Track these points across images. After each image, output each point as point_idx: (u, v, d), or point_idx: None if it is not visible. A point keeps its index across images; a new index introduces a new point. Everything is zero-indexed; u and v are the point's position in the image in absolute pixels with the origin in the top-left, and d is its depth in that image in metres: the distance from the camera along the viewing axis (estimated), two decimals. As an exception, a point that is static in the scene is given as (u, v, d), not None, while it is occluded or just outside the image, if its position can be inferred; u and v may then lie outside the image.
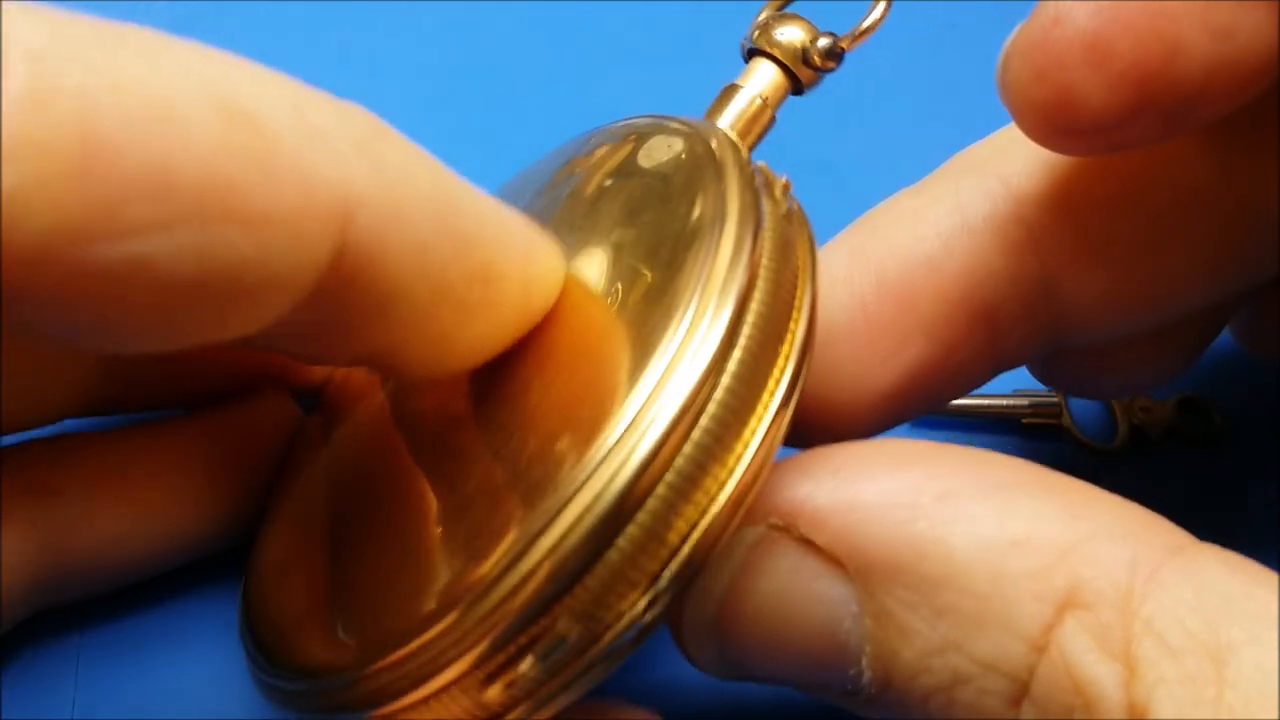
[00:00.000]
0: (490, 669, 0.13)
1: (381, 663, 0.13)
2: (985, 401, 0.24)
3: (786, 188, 0.16)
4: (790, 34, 0.18)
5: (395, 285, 0.12)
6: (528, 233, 0.15)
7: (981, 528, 0.13)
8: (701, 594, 0.14)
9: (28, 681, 0.19)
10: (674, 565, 0.13)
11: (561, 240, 0.16)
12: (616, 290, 0.15)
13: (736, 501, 0.13)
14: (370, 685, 0.13)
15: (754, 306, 0.13)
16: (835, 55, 0.18)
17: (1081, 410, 0.24)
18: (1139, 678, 0.12)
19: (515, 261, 0.14)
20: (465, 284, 0.13)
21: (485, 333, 0.14)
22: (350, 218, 0.11)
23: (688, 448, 0.13)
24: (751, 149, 0.18)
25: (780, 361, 0.14)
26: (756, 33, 0.18)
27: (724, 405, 0.13)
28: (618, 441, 0.12)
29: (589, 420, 0.13)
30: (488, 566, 0.12)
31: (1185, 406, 0.24)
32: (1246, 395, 0.25)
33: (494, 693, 0.13)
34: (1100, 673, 0.12)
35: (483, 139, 0.29)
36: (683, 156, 0.16)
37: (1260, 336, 0.22)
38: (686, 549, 0.13)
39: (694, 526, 0.13)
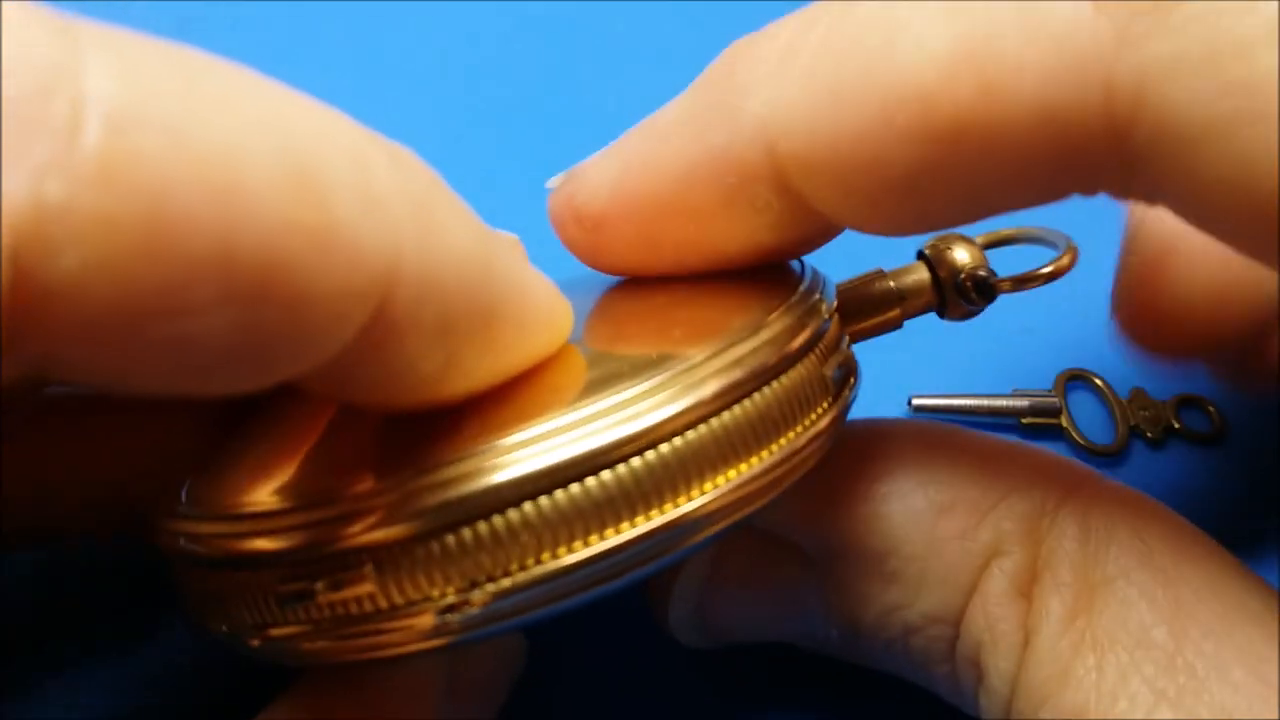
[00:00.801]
0: (285, 583, 0.13)
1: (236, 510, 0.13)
2: (985, 402, 0.24)
3: (846, 364, 0.15)
4: (960, 255, 0.17)
5: (414, 356, 0.12)
6: (545, 295, 0.14)
7: (913, 499, 0.15)
8: (679, 596, 0.16)
9: (28, 680, 0.19)
10: (490, 588, 0.12)
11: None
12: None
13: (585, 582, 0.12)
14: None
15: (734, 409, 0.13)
16: (986, 292, 0.17)
17: (1081, 410, 0.24)
18: (1032, 611, 0.14)
19: (530, 329, 0.14)
20: (477, 355, 0.13)
21: (477, 389, 0.14)
22: (393, 290, 0.11)
23: (573, 492, 0.12)
24: (854, 336, 0.17)
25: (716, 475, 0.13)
26: (935, 239, 0.17)
27: (652, 471, 0.12)
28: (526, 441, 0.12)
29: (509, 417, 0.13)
30: (356, 484, 0.12)
31: (1185, 406, 0.25)
32: (1246, 395, 0.25)
33: (277, 608, 0.13)
34: (1007, 611, 0.14)
35: (487, 139, 0.29)
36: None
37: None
38: (514, 582, 0.12)
39: (537, 563, 0.12)
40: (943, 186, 0.13)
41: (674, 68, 0.30)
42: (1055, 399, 0.24)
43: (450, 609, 0.12)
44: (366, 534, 0.12)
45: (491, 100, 0.30)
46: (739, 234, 0.15)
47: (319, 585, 0.12)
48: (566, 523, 0.12)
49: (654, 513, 0.12)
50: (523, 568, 0.12)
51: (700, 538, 0.13)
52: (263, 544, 0.13)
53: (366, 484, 0.12)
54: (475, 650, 0.16)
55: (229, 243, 0.09)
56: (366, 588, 0.12)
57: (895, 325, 0.17)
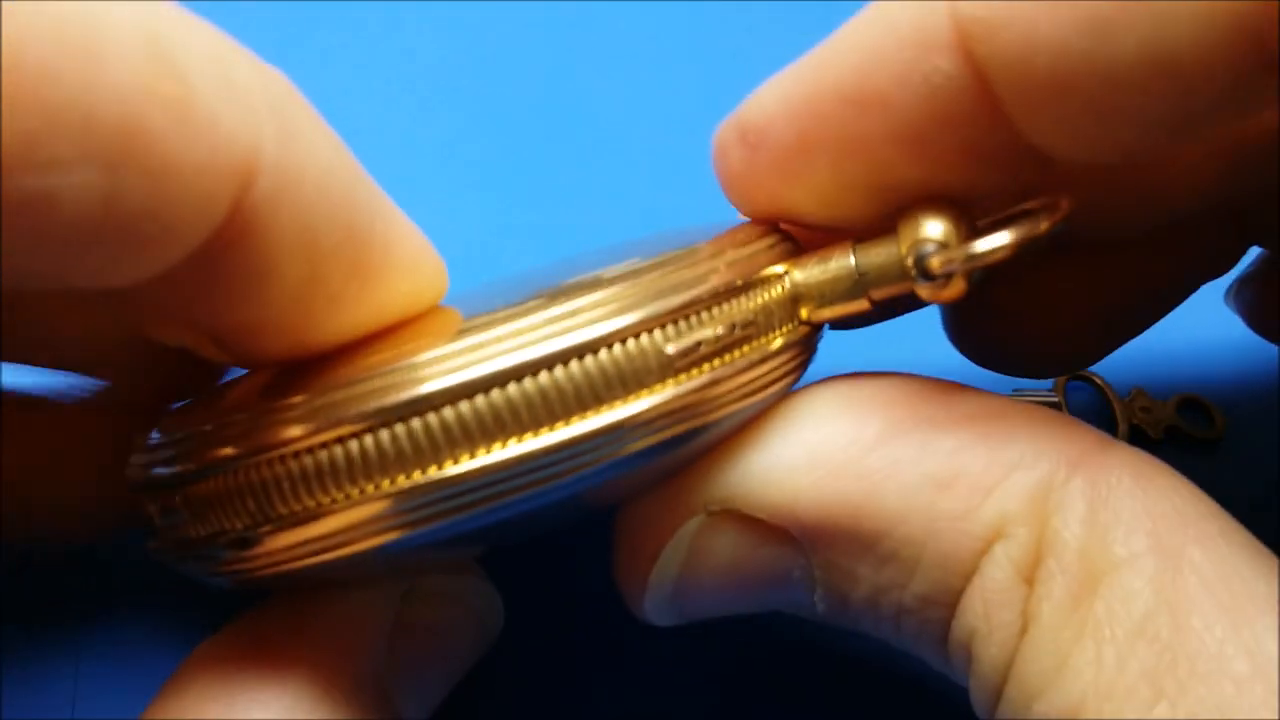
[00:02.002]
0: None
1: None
2: (985, 401, 0.24)
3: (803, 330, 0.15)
4: (931, 226, 0.14)
5: (273, 260, 0.12)
6: (419, 242, 0.14)
7: (909, 476, 0.14)
8: (656, 581, 0.15)
9: (28, 680, 0.19)
10: (404, 483, 0.13)
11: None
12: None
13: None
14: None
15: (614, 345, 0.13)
16: (927, 273, 0.14)
17: (1081, 410, 0.24)
18: (1033, 596, 0.13)
19: (399, 265, 0.14)
20: (342, 277, 0.13)
21: (347, 328, 0.14)
22: (252, 179, 0.11)
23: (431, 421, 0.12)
24: (833, 325, 0.15)
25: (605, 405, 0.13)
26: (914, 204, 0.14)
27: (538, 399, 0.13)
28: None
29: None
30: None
31: (1185, 406, 0.25)
32: (1246, 395, 0.25)
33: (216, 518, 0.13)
34: (1008, 598, 0.13)
35: (479, 140, 0.29)
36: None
37: (1261, 311, 0.22)
38: (428, 480, 0.12)
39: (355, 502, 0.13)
40: (1171, 71, 0.11)
41: (673, 68, 0.31)
42: (1055, 399, 0.24)
43: (374, 506, 0.13)
44: (287, 437, 0.13)
45: (492, 101, 0.30)
46: (911, 131, 0.13)
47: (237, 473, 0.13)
48: (485, 426, 0.12)
49: (575, 419, 0.13)
50: (440, 468, 0.13)
51: (616, 454, 0.13)
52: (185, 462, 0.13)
53: (281, 398, 0.13)
54: (427, 590, 0.16)
55: (86, 99, 0.10)
56: (294, 496, 0.13)
57: (866, 311, 0.15)
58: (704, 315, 0.14)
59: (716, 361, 0.14)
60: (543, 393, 0.13)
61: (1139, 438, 0.24)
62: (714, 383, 0.14)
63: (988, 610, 0.13)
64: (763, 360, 0.14)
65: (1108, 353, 0.20)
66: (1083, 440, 0.14)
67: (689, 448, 0.14)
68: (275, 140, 0.11)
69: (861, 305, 0.15)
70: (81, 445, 0.18)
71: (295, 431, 0.13)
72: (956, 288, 0.14)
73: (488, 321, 0.13)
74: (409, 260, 0.14)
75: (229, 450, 0.13)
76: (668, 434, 0.13)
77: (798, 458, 0.14)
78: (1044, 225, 0.13)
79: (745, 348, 0.14)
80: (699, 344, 0.13)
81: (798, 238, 0.16)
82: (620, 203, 0.28)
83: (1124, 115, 0.12)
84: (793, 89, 0.14)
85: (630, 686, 0.20)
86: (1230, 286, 0.22)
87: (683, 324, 0.13)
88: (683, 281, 0.13)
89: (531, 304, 0.13)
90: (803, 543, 0.15)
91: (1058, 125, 0.12)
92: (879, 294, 0.14)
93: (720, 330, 0.14)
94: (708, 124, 0.16)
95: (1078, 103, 0.12)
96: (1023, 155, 0.13)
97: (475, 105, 0.30)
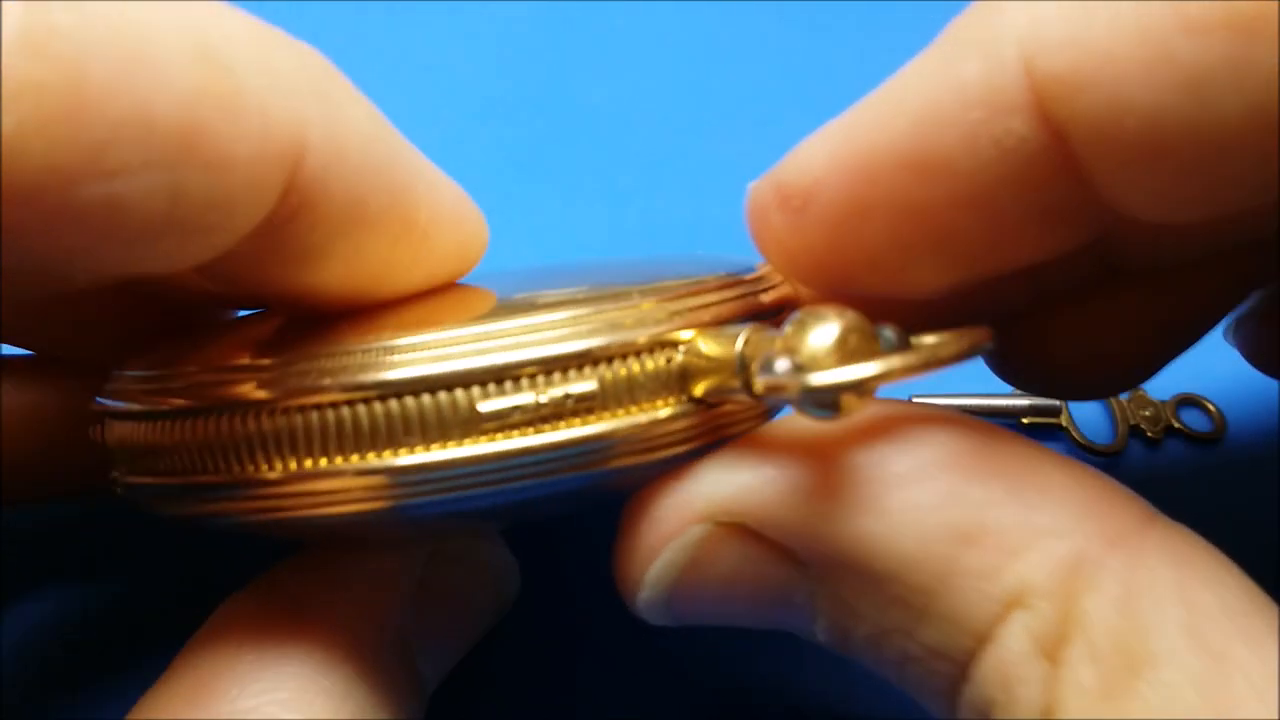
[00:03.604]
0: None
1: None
2: (985, 401, 0.24)
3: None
4: (819, 337, 0.12)
5: (328, 229, 0.13)
6: (459, 198, 0.15)
7: (931, 522, 0.13)
8: (650, 583, 0.15)
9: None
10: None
11: None
12: None
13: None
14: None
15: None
16: (749, 387, 0.13)
17: (1081, 410, 0.24)
18: (1059, 679, 0.12)
19: (443, 223, 0.14)
20: (392, 237, 0.14)
21: (399, 288, 0.14)
22: (301, 158, 0.12)
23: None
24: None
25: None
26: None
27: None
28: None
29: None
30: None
31: (1185, 406, 0.25)
32: (1246, 395, 0.25)
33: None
34: (1027, 673, 0.12)
35: (487, 138, 0.29)
36: None
37: (1262, 347, 0.21)
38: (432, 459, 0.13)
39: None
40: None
41: (674, 68, 0.31)
42: (1056, 400, 0.24)
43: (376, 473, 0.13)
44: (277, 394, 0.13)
45: (491, 100, 0.30)
46: (979, 197, 0.12)
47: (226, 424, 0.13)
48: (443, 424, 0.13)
49: (562, 425, 0.13)
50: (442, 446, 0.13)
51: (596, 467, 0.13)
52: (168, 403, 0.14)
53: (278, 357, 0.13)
54: (449, 553, 0.17)
55: (145, 107, 0.10)
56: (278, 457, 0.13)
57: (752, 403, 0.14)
58: (550, 376, 0.13)
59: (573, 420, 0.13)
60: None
61: (1139, 437, 0.24)
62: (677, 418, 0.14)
63: (1008, 683, 0.12)
64: (652, 424, 0.14)
65: (1158, 370, 0.19)
66: (1124, 513, 0.13)
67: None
68: (319, 118, 0.12)
69: (740, 395, 0.13)
70: (51, 401, 0.18)
71: (310, 383, 0.13)
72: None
73: (527, 303, 0.13)
74: (452, 214, 0.15)
75: (263, 394, 0.13)
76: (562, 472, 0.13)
77: (811, 483, 0.13)
78: (926, 361, 0.12)
79: (612, 411, 0.13)
80: (527, 405, 0.13)
81: (859, 308, 0.14)
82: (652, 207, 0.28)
83: (1228, 178, 0.11)
84: (842, 148, 0.13)
85: (639, 664, 0.20)
86: (1229, 324, 0.21)
87: (523, 381, 0.13)
88: (574, 332, 0.13)
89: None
90: (810, 570, 0.14)
91: (1150, 189, 0.12)
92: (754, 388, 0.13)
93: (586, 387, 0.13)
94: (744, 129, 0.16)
95: (1174, 166, 0.11)
96: (1102, 214, 0.12)
97: (473, 105, 0.30)
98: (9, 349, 0.19)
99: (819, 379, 0.12)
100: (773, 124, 0.28)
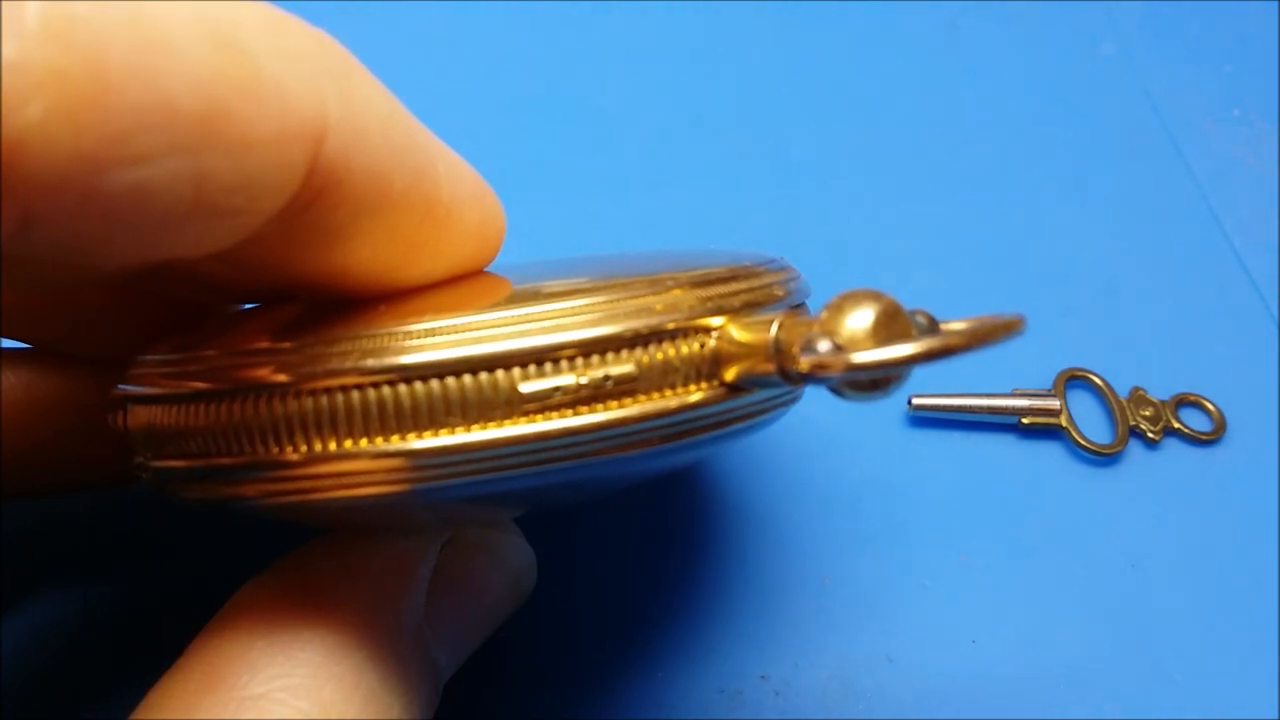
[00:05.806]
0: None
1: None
2: (985, 401, 0.24)
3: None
4: (857, 319, 0.12)
5: (353, 210, 0.13)
6: (477, 181, 0.15)
7: None
8: None
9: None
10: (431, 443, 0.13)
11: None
12: None
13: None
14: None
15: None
16: (820, 372, 0.12)
17: (1081, 410, 0.24)
18: None
19: (464, 204, 0.15)
20: (417, 218, 0.14)
21: (425, 271, 0.15)
22: (322, 139, 0.12)
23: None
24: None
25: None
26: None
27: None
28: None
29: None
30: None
31: (1185, 406, 0.25)
32: (1246, 395, 0.25)
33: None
34: None
35: (486, 139, 0.29)
36: None
37: None
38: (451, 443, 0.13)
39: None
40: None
41: (673, 68, 0.31)
42: (1055, 399, 0.24)
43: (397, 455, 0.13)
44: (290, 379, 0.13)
45: (491, 100, 0.30)
46: None
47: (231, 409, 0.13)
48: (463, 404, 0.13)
49: (583, 411, 0.13)
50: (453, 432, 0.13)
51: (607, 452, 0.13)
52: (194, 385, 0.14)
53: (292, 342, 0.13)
54: (466, 541, 0.17)
55: (166, 93, 0.10)
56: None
57: (786, 387, 0.14)
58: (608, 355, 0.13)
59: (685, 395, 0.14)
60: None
61: (1138, 437, 0.24)
62: (676, 410, 0.14)
63: None
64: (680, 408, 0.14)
65: None
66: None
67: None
68: (337, 98, 0.12)
69: (775, 380, 0.13)
70: (67, 393, 0.18)
71: (331, 366, 0.13)
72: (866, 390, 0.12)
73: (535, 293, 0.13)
74: (472, 195, 0.15)
75: (282, 377, 0.13)
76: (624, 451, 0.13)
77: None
78: (956, 344, 0.12)
79: (647, 395, 0.13)
80: (557, 389, 0.13)
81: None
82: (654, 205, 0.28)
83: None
84: None
85: (645, 658, 0.20)
86: None
87: (562, 364, 0.13)
88: (606, 315, 0.13)
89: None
90: None
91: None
92: (790, 370, 0.13)
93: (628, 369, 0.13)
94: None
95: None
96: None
97: (474, 104, 0.30)
98: (8, 342, 0.19)
99: (863, 357, 0.12)
100: (773, 124, 0.28)
